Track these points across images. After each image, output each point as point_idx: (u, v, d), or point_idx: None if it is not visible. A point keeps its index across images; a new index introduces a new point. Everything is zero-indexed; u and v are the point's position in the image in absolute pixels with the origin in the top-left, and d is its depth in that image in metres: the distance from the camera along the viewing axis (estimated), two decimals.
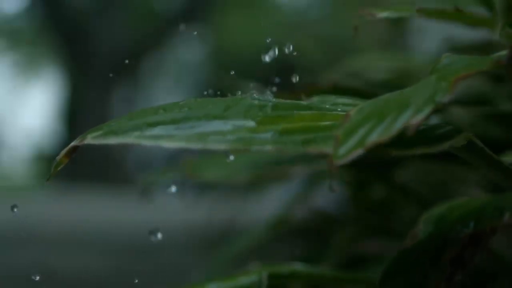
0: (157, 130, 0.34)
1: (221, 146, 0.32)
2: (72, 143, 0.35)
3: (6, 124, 9.57)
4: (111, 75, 7.18)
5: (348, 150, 0.32)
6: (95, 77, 7.20)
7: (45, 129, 8.30)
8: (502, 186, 0.44)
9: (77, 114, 7.33)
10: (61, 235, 2.41)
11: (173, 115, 0.35)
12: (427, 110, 0.33)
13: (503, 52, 0.39)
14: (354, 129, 0.33)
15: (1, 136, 9.18)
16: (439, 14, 0.47)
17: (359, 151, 0.31)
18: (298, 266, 0.52)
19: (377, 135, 0.32)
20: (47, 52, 8.72)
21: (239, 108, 0.36)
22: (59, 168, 0.36)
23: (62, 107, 7.76)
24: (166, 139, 0.33)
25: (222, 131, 0.34)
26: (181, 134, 0.33)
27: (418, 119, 0.32)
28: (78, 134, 0.35)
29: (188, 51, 8.47)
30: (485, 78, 0.61)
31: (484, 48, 0.65)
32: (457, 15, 0.46)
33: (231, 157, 0.53)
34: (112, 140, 0.34)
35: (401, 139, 0.34)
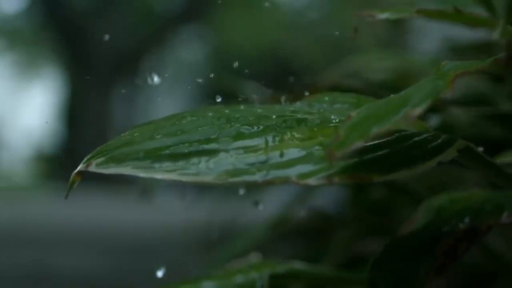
0: (152, 159, 0.35)
1: (211, 179, 0.34)
2: (78, 169, 0.37)
3: (6, 124, 9.57)
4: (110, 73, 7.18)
5: (349, 142, 0.32)
6: (95, 77, 7.20)
7: (45, 129, 8.30)
8: (502, 187, 0.44)
9: (77, 114, 7.33)
10: (61, 235, 2.41)
11: (167, 141, 0.37)
12: (426, 103, 0.33)
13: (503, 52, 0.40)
14: (356, 126, 0.33)
15: (1, 136, 9.18)
16: (439, 15, 0.47)
17: (360, 143, 0.32)
18: (298, 265, 0.52)
19: (378, 128, 0.32)
20: (47, 52, 8.73)
21: (231, 131, 0.37)
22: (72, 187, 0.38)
23: (62, 107, 7.76)
24: (161, 172, 0.35)
25: (213, 161, 0.35)
26: (175, 167, 0.35)
27: (417, 111, 0.32)
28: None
29: (188, 51, 8.47)
30: (485, 78, 0.61)
31: (483, 48, 0.65)
32: (457, 16, 0.46)
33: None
34: (113, 170, 0.36)
35: (387, 161, 0.35)
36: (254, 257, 0.52)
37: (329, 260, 0.71)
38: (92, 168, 0.36)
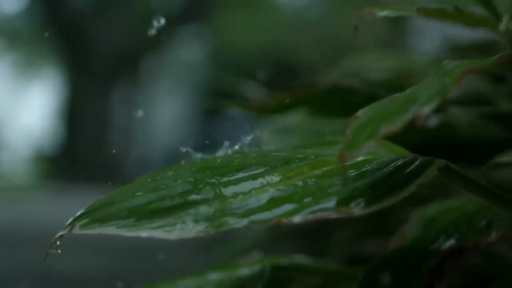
0: (137, 217, 0.36)
1: (196, 233, 0.34)
2: (61, 232, 0.37)
3: (6, 124, 9.57)
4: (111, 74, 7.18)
5: (359, 143, 0.32)
6: (95, 77, 7.20)
7: (45, 129, 8.30)
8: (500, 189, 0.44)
9: (77, 114, 7.33)
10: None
11: (150, 197, 0.37)
12: (435, 102, 0.32)
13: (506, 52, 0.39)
14: (364, 126, 0.33)
15: (1, 136, 9.18)
16: (439, 14, 0.47)
17: (371, 143, 0.31)
18: (300, 259, 0.53)
19: (387, 127, 0.32)
20: (47, 52, 8.73)
21: (211, 181, 0.37)
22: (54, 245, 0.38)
23: (62, 107, 7.76)
24: (147, 230, 0.35)
25: (196, 213, 0.35)
26: (159, 223, 0.35)
27: (426, 110, 0.32)
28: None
29: (188, 51, 8.47)
30: (485, 78, 0.61)
31: (483, 48, 0.65)
32: (457, 15, 0.46)
33: None
34: (97, 230, 0.36)
35: (369, 192, 0.35)
36: (256, 255, 0.53)
37: (329, 259, 0.71)
38: (76, 231, 0.36)
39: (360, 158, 0.38)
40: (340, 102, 0.60)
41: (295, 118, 0.64)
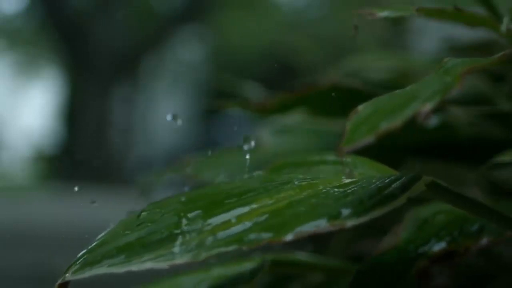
0: (126, 253, 0.36)
1: (188, 259, 0.34)
2: (58, 282, 0.37)
3: (6, 124, 9.57)
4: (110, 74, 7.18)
5: (357, 137, 0.32)
6: (95, 77, 7.20)
7: (45, 129, 8.30)
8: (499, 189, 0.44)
9: (77, 114, 7.33)
10: (61, 235, 2.41)
11: (138, 234, 0.37)
12: (436, 99, 0.32)
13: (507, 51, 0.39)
14: (364, 121, 0.33)
15: (1, 136, 9.18)
16: (439, 14, 0.47)
17: (370, 138, 0.31)
18: (301, 256, 0.53)
19: (387, 123, 0.32)
20: (47, 52, 8.73)
21: (198, 212, 0.38)
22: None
23: (62, 107, 7.76)
24: (137, 264, 0.35)
25: (185, 242, 0.35)
26: (149, 256, 0.35)
27: (427, 107, 0.32)
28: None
29: (188, 51, 8.47)
30: (485, 78, 0.61)
31: (483, 48, 0.65)
32: (457, 15, 0.46)
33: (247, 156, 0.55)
34: (89, 273, 0.36)
35: (357, 206, 0.35)
36: (256, 256, 0.53)
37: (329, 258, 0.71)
38: (69, 278, 0.36)
39: (348, 180, 0.39)
40: (340, 102, 0.60)
41: (295, 118, 0.64)
